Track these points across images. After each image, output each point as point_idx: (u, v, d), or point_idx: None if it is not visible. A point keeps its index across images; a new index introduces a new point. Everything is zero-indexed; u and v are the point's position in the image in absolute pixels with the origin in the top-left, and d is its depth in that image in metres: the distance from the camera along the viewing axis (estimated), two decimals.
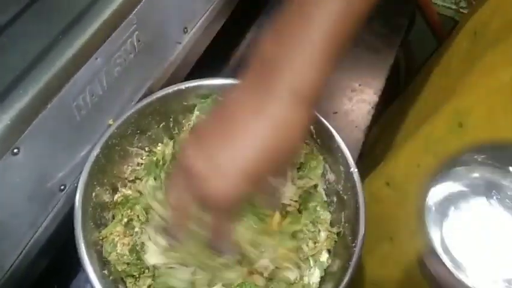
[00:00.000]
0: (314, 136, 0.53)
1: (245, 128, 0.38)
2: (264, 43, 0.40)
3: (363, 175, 0.52)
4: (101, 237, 0.49)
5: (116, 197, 0.52)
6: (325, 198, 0.54)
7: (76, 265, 0.55)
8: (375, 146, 0.83)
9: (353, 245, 0.46)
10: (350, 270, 0.44)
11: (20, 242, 0.43)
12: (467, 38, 0.63)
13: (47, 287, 0.53)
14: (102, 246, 0.48)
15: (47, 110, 0.40)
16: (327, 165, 0.54)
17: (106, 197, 0.49)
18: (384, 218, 0.59)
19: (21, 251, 0.43)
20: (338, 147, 0.50)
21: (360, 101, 0.72)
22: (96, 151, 0.47)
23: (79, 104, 0.44)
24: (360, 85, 0.74)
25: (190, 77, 0.61)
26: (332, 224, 0.53)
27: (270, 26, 0.41)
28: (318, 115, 0.51)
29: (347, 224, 0.51)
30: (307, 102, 0.39)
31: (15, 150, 0.38)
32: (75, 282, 0.55)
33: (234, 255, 0.47)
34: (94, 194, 0.47)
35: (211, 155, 0.38)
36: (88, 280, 0.55)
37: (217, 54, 0.70)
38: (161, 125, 0.55)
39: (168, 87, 0.53)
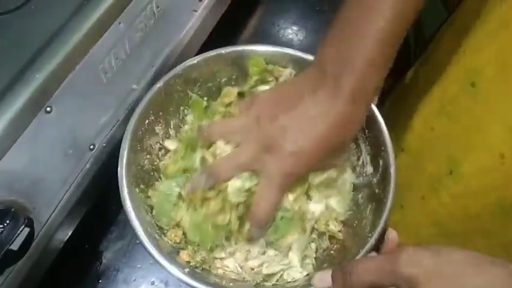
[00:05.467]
0: (363, 125, 0.52)
1: (308, 115, 0.44)
2: (327, 43, 0.45)
3: None
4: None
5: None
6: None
7: (105, 225, 0.58)
8: (388, 118, 0.84)
9: (369, 235, 0.47)
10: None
11: (54, 198, 0.45)
12: None
13: (78, 246, 0.56)
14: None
15: (75, 72, 0.42)
16: (368, 157, 0.53)
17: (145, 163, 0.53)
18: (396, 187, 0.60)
19: (56, 207, 0.46)
20: (384, 141, 0.50)
21: None
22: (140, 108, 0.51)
23: (105, 67, 0.46)
24: None
25: (206, 45, 0.62)
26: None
27: (331, 26, 0.45)
28: (374, 107, 0.51)
29: (370, 216, 0.50)
30: (365, 100, 0.44)
31: (48, 109, 0.40)
32: (105, 241, 0.58)
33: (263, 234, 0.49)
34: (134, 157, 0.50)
35: (284, 123, 0.44)
36: (117, 238, 0.58)
37: (232, 23, 0.71)
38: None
39: (195, 57, 0.55)
